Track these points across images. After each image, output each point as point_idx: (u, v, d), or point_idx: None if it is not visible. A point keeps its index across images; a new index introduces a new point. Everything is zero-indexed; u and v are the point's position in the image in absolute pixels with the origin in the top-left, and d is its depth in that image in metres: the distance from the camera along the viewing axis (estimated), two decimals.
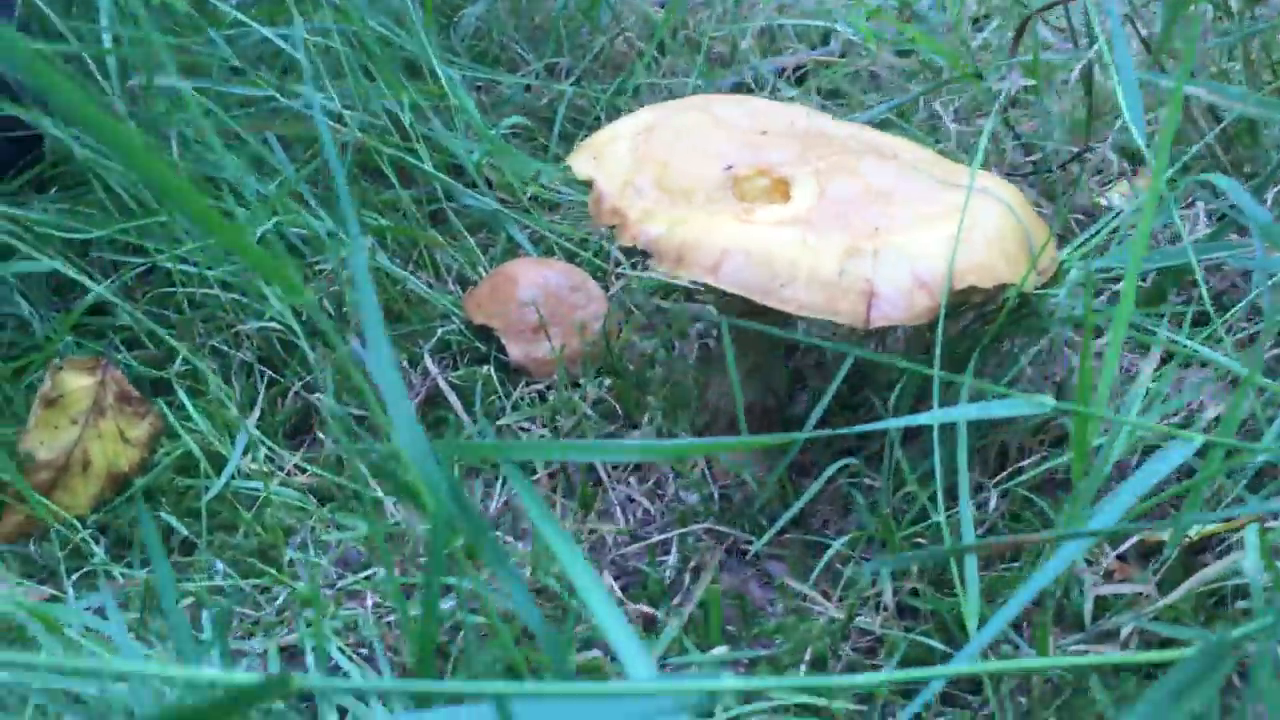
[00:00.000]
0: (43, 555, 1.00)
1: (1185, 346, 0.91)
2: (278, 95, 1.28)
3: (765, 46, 1.69)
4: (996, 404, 0.63)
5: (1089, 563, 0.92)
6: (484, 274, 1.31)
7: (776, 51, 1.71)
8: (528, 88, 1.61)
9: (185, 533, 1.01)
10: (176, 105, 1.24)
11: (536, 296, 1.20)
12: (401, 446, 0.52)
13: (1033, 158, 1.29)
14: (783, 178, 1.02)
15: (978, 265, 0.92)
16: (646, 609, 0.91)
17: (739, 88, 1.63)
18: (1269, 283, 0.91)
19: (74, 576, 0.97)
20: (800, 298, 0.89)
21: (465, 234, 1.34)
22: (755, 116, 1.11)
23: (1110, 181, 1.34)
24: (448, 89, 1.38)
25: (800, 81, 1.65)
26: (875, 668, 0.90)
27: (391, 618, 0.89)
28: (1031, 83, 1.31)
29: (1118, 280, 1.12)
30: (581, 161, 1.05)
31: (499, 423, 1.13)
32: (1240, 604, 0.88)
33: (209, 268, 1.19)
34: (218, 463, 1.07)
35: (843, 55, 1.64)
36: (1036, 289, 0.98)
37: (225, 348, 1.20)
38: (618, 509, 1.04)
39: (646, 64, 1.66)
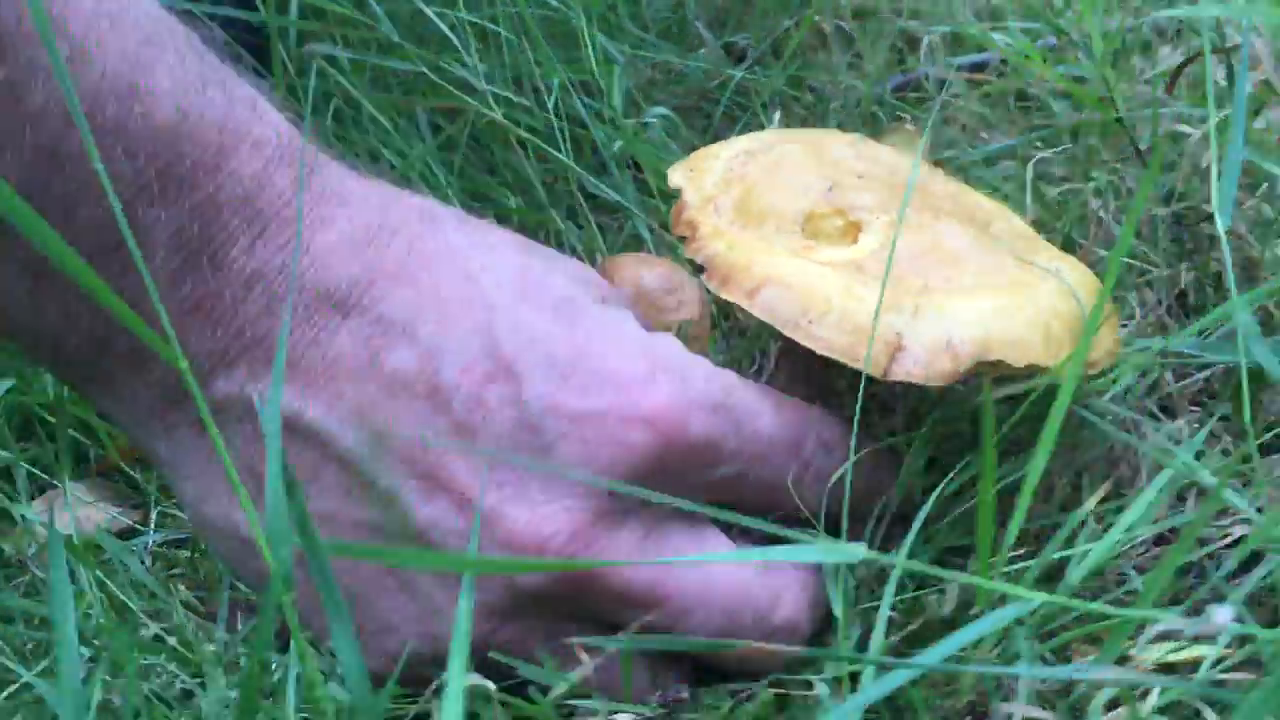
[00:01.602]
0: (146, 482, 1.12)
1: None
2: (427, 71, 1.36)
3: (950, 46, 1.63)
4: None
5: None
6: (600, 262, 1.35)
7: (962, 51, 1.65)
8: (703, 69, 1.62)
9: None
10: (327, 76, 1.32)
11: (628, 296, 1.24)
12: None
13: (1173, 208, 1.22)
14: (855, 222, 1.01)
15: (1011, 341, 0.90)
16: None
17: (903, 87, 1.58)
18: None
19: (160, 506, 1.09)
20: (826, 337, 0.90)
21: (590, 220, 1.38)
22: (861, 160, 1.10)
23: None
24: (596, 72, 1.42)
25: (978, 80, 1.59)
26: None
27: None
28: (1185, 129, 1.23)
29: (1204, 368, 1.05)
30: (677, 173, 1.08)
31: None
32: None
33: None
34: None
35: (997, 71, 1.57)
36: (1092, 376, 0.94)
37: None
38: None
39: (829, 54, 1.64)
